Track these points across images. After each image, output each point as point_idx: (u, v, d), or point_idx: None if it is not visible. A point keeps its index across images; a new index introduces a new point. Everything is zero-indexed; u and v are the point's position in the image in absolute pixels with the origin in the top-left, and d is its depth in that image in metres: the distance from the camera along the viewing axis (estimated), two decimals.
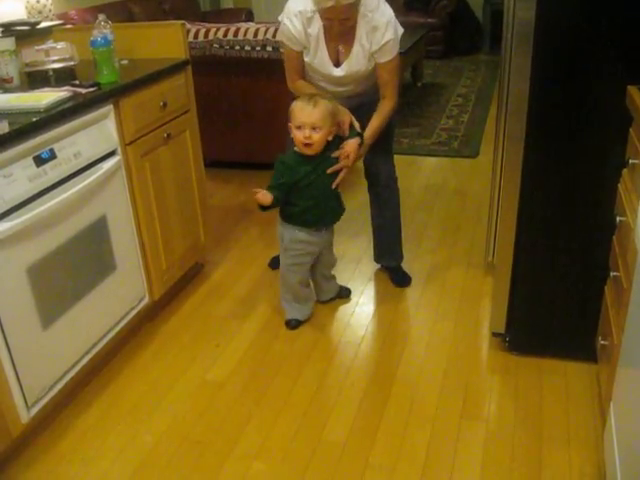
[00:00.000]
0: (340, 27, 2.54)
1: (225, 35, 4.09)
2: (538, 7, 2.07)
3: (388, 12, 2.61)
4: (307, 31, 2.63)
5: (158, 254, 2.81)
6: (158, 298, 2.86)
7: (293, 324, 2.86)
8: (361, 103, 2.84)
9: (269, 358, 2.67)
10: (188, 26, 4.03)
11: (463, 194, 4.18)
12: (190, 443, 2.24)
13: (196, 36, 4.14)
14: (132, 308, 2.69)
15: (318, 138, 2.53)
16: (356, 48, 2.63)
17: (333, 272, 3.03)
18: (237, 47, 4.05)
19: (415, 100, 6.37)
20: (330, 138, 2.58)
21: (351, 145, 2.63)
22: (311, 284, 2.97)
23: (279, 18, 2.70)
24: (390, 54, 2.64)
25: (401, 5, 8.40)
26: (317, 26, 2.61)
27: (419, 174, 4.58)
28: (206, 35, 4.13)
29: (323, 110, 2.51)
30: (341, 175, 2.64)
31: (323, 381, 2.52)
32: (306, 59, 2.73)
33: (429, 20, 7.94)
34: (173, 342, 2.79)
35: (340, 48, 2.66)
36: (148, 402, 2.44)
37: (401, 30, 2.70)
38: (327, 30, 2.61)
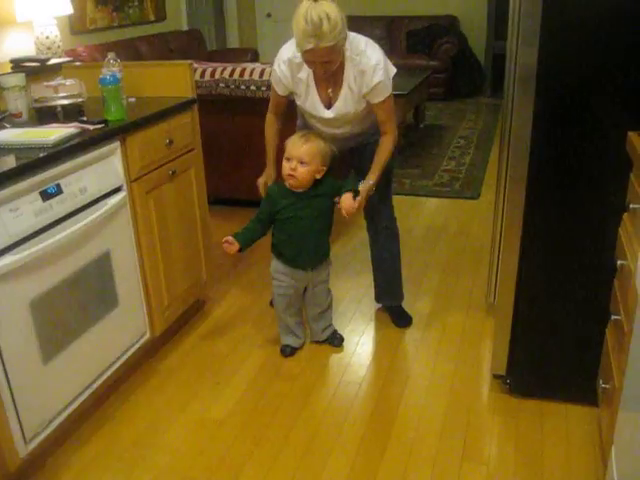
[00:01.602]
0: (322, 70, 2.55)
1: (231, 75, 4.15)
2: (540, 53, 2.11)
3: (376, 55, 2.62)
4: (297, 76, 2.68)
5: (160, 290, 2.81)
6: (159, 334, 2.86)
7: (287, 351, 2.92)
8: (359, 143, 2.87)
9: (269, 397, 2.66)
10: (195, 65, 4.09)
11: (464, 235, 4.20)
12: None
13: (202, 75, 4.20)
14: (133, 344, 2.69)
15: (303, 172, 2.60)
16: (344, 91, 2.66)
17: (330, 317, 3.03)
18: (243, 87, 4.11)
19: (417, 141, 6.43)
20: (318, 176, 2.65)
21: (345, 202, 2.64)
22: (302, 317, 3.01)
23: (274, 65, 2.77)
24: (382, 95, 2.65)
25: (404, 47, 8.54)
26: (307, 71, 2.66)
27: (421, 215, 4.61)
28: (212, 74, 4.19)
29: (313, 147, 2.60)
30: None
31: (323, 421, 2.51)
32: (298, 102, 2.79)
33: (431, 63, 8.06)
34: (173, 379, 2.78)
35: (329, 91, 2.70)
36: (147, 439, 2.43)
37: (393, 70, 2.73)
38: (315, 73, 2.66)
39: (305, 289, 2.90)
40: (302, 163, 2.58)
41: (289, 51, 2.66)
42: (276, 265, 2.82)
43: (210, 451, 2.37)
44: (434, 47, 8.27)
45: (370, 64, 2.59)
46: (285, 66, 2.69)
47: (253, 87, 4.07)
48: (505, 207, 2.42)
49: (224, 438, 2.43)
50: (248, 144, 4.29)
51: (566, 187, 2.24)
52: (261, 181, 2.93)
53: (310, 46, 2.42)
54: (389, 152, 2.75)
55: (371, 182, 2.72)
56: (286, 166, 2.62)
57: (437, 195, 4.99)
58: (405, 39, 8.59)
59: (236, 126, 4.30)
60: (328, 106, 2.73)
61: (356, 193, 2.65)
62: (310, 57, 2.50)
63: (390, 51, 8.34)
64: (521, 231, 2.35)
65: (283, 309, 2.89)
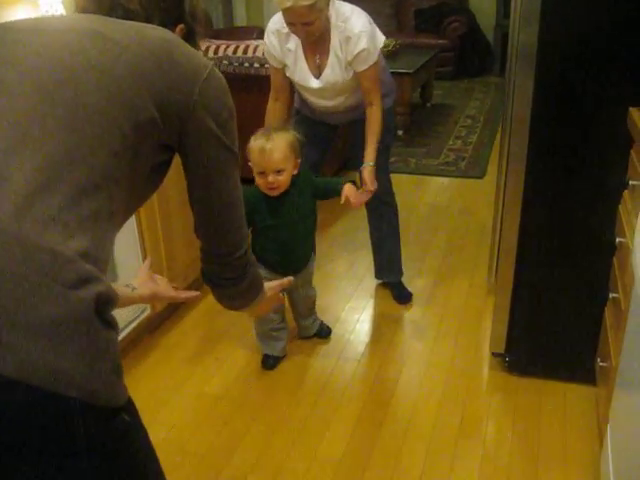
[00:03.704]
0: (304, 33, 2.53)
1: (235, 52, 4.13)
2: (541, 30, 2.09)
3: (361, 22, 2.60)
4: (285, 47, 2.68)
5: (160, 266, 2.82)
6: (160, 310, 2.87)
7: (270, 363, 2.69)
8: (355, 119, 2.85)
9: (267, 373, 2.67)
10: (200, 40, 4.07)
11: (468, 214, 4.19)
12: (186, 455, 2.24)
13: (206, 52, 4.18)
14: (134, 319, 2.70)
15: (283, 179, 2.39)
16: (331, 59, 2.65)
17: (314, 310, 2.86)
18: (246, 64, 4.08)
19: (424, 120, 6.39)
20: (295, 172, 2.45)
21: (353, 195, 2.55)
22: (286, 320, 2.76)
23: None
24: (366, 63, 2.62)
25: (412, 26, 8.46)
26: (295, 41, 2.65)
27: (425, 194, 4.59)
28: (216, 52, 4.17)
29: (283, 148, 2.36)
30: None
31: (321, 397, 2.51)
32: (287, 74, 2.77)
33: (440, 41, 7.98)
34: (172, 355, 2.80)
35: (317, 59, 2.69)
36: (145, 413, 2.42)
37: (381, 39, 2.70)
38: (303, 42, 2.64)
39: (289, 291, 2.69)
40: (279, 172, 2.37)
41: (277, 22, 2.66)
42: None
43: (208, 426, 2.38)
44: (442, 26, 8.19)
45: (354, 31, 2.58)
46: (274, 37, 2.69)
47: (257, 64, 4.05)
48: (506, 185, 2.40)
49: (222, 413, 2.44)
50: (252, 122, 4.26)
51: (566, 165, 2.23)
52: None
53: (289, 4, 2.41)
54: (379, 124, 2.73)
55: (371, 164, 2.71)
56: (262, 182, 2.40)
57: (442, 174, 4.96)
58: (413, 18, 8.50)
59: (240, 104, 4.23)
60: (317, 76, 2.71)
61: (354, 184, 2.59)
62: (290, 18, 2.49)
63: (398, 30, 8.28)
64: (521, 209, 2.34)
65: (264, 318, 2.62)
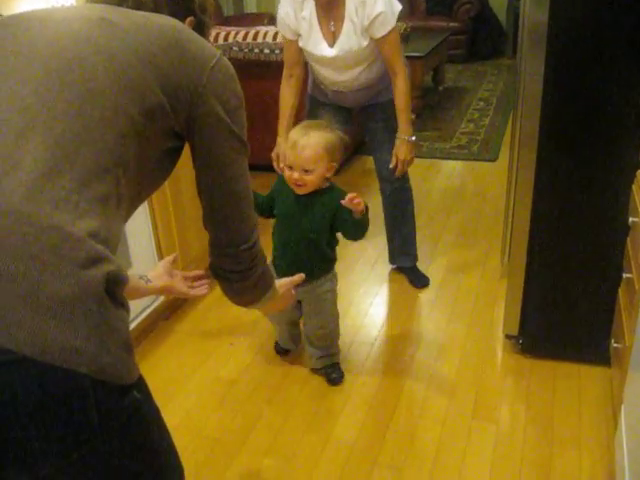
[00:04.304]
0: None
1: (244, 38, 4.12)
2: (551, 8, 2.07)
3: None
4: (300, 15, 2.66)
5: (174, 251, 2.83)
6: (174, 296, 2.88)
7: (277, 348, 2.69)
8: (370, 101, 2.83)
9: (281, 357, 2.68)
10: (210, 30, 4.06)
11: (481, 197, 4.17)
12: (201, 439, 2.26)
13: (216, 39, 4.18)
14: (148, 305, 2.72)
15: (311, 180, 2.21)
16: (346, 25, 2.61)
17: (329, 345, 2.52)
18: (256, 50, 4.08)
19: (436, 104, 6.36)
20: (329, 175, 2.26)
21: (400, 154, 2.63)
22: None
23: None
24: (384, 28, 2.58)
25: (423, 9, 8.41)
26: (310, 8, 2.64)
27: (438, 177, 4.58)
28: (226, 38, 4.16)
29: (317, 147, 2.18)
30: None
31: None
32: (300, 44, 2.74)
33: (451, 24, 7.94)
34: (187, 340, 2.82)
35: (332, 26, 2.65)
36: (161, 397, 2.44)
37: (398, 6, 2.66)
38: (318, 7, 2.62)
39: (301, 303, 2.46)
40: (307, 171, 2.19)
41: None
42: None
43: (223, 410, 2.40)
44: (454, 8, 8.14)
45: None
46: (289, 5, 2.68)
47: (267, 50, 4.05)
48: (518, 167, 2.39)
49: (236, 397, 2.46)
50: (262, 108, 4.27)
51: (578, 145, 2.21)
52: (274, 155, 2.86)
53: None
54: (406, 94, 2.70)
55: (405, 137, 2.71)
56: (289, 175, 2.24)
57: (455, 157, 4.95)
58: (424, 0, 8.45)
59: (250, 90, 4.25)
60: (331, 44, 2.67)
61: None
62: None
63: (410, 13, 8.22)
64: (533, 191, 2.33)
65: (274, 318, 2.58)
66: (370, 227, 3.69)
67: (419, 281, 3.17)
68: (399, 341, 2.76)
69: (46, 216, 0.90)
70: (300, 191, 2.25)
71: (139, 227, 2.60)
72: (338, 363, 2.54)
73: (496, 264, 3.27)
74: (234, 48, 4.12)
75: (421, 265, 3.24)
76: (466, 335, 2.76)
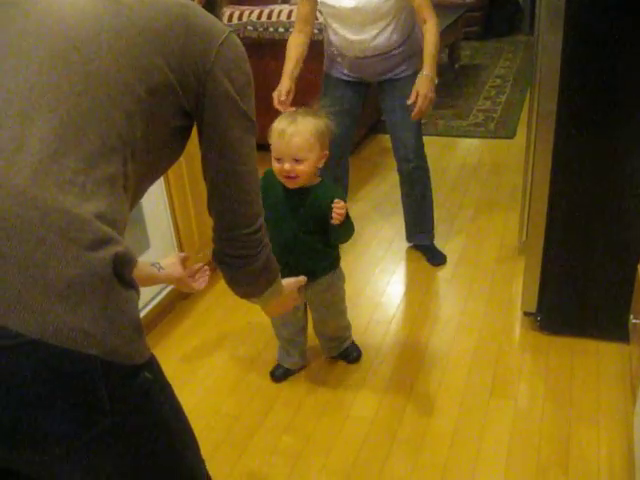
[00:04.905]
0: None
1: (259, 17, 4.10)
2: None
3: None
4: None
5: (191, 232, 2.85)
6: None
7: (277, 375, 2.45)
8: (388, 76, 2.81)
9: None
10: (223, 9, 4.05)
11: (498, 175, 4.15)
12: (221, 416, 2.28)
13: (230, 18, 4.16)
14: (166, 285, 2.74)
15: (303, 170, 2.04)
16: None
17: (347, 336, 2.51)
18: (271, 29, 4.06)
19: (452, 82, 6.31)
20: (321, 165, 2.11)
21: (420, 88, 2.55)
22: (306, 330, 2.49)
23: None
24: None
25: None
26: None
27: (454, 155, 4.55)
28: (240, 17, 4.15)
29: (307, 134, 2.02)
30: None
31: None
32: None
33: (467, 0, 7.84)
34: (206, 319, 2.84)
35: None
36: (180, 376, 2.49)
37: None
38: None
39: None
40: (297, 161, 2.03)
41: None
42: None
43: (241, 388, 2.42)
44: None
45: None
46: None
47: (281, 29, 4.03)
48: (536, 144, 2.37)
49: (256, 376, 2.48)
50: (276, 88, 4.26)
51: (597, 121, 2.19)
52: (275, 94, 2.78)
53: None
54: (436, 40, 2.67)
55: (429, 74, 2.65)
56: (279, 168, 2.05)
57: (471, 135, 4.91)
58: None
59: (265, 69, 4.25)
60: None
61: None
62: None
63: None
64: (551, 168, 2.31)
65: (285, 320, 2.37)
66: (387, 206, 3.70)
67: (436, 259, 3.16)
68: (416, 319, 2.77)
69: (52, 198, 0.89)
70: (292, 184, 2.08)
71: (156, 208, 2.62)
72: (353, 342, 2.53)
73: (513, 241, 3.26)
74: (248, 27, 4.10)
75: (438, 243, 3.23)
76: (484, 312, 2.76)
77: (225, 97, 1.14)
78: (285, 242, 2.12)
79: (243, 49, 1.19)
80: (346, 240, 2.24)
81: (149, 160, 1.11)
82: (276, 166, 2.05)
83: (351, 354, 2.51)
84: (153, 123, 1.07)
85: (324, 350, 2.52)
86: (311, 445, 2.15)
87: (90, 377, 0.88)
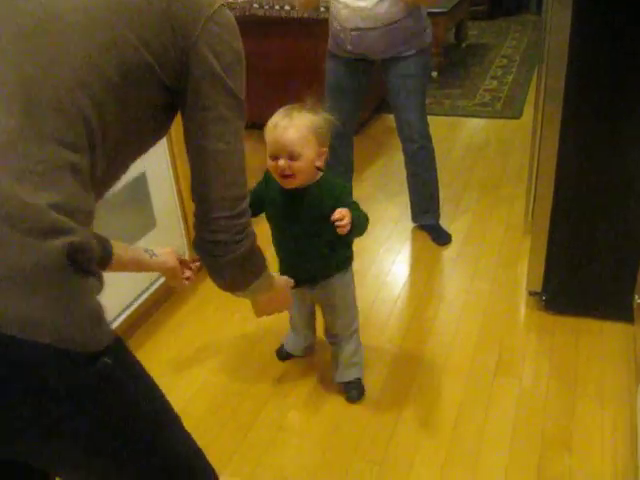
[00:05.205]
0: None
1: None
2: None
3: None
4: None
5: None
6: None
7: (281, 355, 2.46)
8: (393, 54, 2.79)
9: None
10: None
11: (505, 155, 4.14)
12: (227, 394, 2.30)
13: None
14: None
15: (300, 167, 1.88)
16: None
17: (353, 362, 2.27)
18: (277, 7, 4.03)
19: (458, 61, 6.28)
20: (319, 164, 1.94)
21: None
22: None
23: None
24: None
25: None
26: None
27: (460, 135, 4.54)
28: None
29: (302, 128, 1.87)
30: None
31: None
32: None
33: None
34: (212, 298, 2.84)
35: None
36: (187, 355, 2.51)
37: None
38: None
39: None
40: (292, 158, 1.87)
41: None
42: None
43: (248, 366, 2.44)
44: None
45: None
46: None
47: (287, 7, 4.00)
48: (543, 124, 2.37)
49: (262, 353, 2.50)
50: (283, 66, 4.25)
51: (605, 100, 2.19)
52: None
53: None
54: None
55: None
56: (274, 166, 1.90)
57: (477, 115, 4.89)
58: None
59: (271, 48, 4.24)
60: None
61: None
62: None
63: None
64: (557, 148, 2.31)
65: (294, 307, 2.28)
66: (393, 185, 3.69)
67: (441, 238, 3.17)
68: (422, 298, 2.78)
69: (7, 187, 0.87)
70: (288, 184, 1.93)
71: (162, 187, 2.62)
72: (360, 379, 2.28)
73: (519, 221, 3.25)
74: (254, 5, 4.07)
75: (443, 222, 3.24)
76: (489, 292, 2.77)
77: (210, 74, 1.10)
78: (289, 246, 2.07)
79: (234, 25, 1.14)
80: (361, 234, 2.07)
81: (127, 139, 1.08)
82: (271, 164, 1.91)
83: (350, 394, 2.25)
84: (128, 105, 1.04)
85: (333, 359, 2.31)
86: (317, 422, 2.17)
87: (43, 365, 0.88)
